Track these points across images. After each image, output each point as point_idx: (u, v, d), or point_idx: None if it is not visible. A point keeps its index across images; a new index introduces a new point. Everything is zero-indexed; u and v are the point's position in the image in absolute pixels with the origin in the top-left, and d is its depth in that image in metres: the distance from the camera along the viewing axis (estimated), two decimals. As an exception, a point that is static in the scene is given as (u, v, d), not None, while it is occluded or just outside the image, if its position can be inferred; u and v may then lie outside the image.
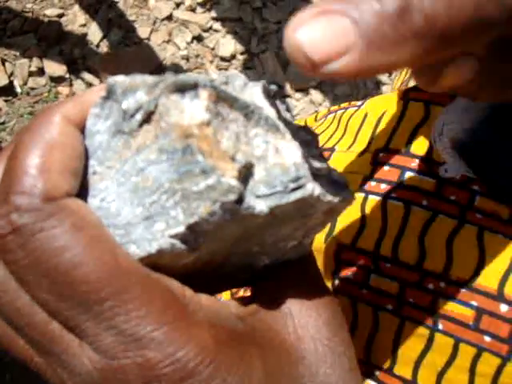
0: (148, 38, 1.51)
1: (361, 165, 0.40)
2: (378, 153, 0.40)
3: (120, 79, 0.19)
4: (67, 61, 1.44)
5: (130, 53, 1.47)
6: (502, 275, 0.33)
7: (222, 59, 1.51)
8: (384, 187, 0.38)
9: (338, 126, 0.46)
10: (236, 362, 0.19)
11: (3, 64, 1.40)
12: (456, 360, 0.33)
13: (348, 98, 1.50)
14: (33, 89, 1.41)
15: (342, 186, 0.21)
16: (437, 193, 0.36)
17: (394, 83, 0.59)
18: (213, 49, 1.52)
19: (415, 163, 0.38)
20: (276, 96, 0.21)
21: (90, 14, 1.50)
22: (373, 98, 0.46)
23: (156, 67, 1.45)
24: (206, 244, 0.19)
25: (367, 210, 0.38)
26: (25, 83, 1.41)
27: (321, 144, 0.45)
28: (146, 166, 0.19)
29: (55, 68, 1.42)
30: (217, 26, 1.55)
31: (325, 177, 0.20)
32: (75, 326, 0.19)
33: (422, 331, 0.34)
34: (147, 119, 0.19)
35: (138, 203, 0.19)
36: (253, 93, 0.20)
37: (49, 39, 1.45)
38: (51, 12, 1.48)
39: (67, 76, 1.43)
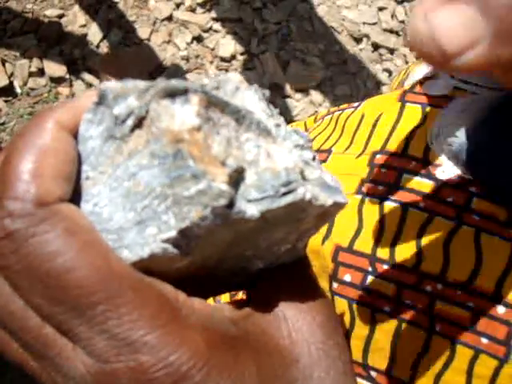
0: (148, 39, 1.51)
1: (358, 167, 0.40)
2: (375, 155, 0.40)
3: (112, 85, 0.19)
4: (67, 61, 1.44)
5: (130, 53, 1.48)
6: (498, 277, 0.33)
7: (222, 60, 1.51)
8: (381, 189, 0.38)
9: (335, 127, 0.46)
10: (229, 366, 0.19)
11: (3, 64, 1.40)
12: (453, 362, 0.33)
13: (348, 99, 1.50)
14: (33, 89, 1.41)
15: (335, 190, 0.21)
16: (434, 194, 0.36)
17: (392, 83, 0.59)
18: (213, 49, 1.52)
19: (412, 165, 0.38)
20: (268, 100, 0.21)
21: (90, 15, 1.51)
22: (369, 99, 0.46)
23: (156, 68, 1.45)
24: (199, 248, 0.19)
25: (364, 212, 0.38)
26: (25, 84, 1.41)
27: (318, 146, 0.45)
28: (137, 170, 0.19)
29: (55, 68, 1.42)
30: (217, 26, 1.55)
31: (317, 181, 0.20)
32: (68, 330, 0.19)
33: (420, 333, 0.34)
34: (138, 124, 0.19)
35: (130, 208, 0.19)
36: (244, 97, 0.20)
37: (49, 40, 1.45)
38: (51, 12, 1.49)
39: (67, 76, 1.43)
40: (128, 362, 0.18)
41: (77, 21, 1.49)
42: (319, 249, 0.39)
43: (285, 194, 0.19)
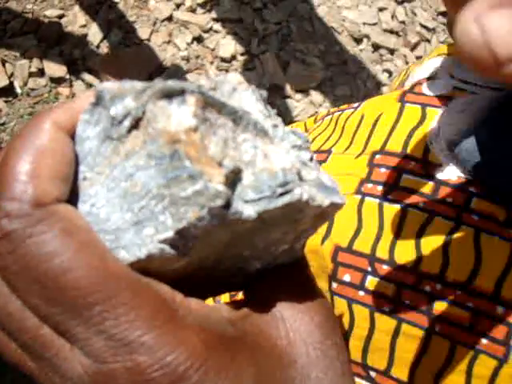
0: (148, 39, 1.51)
1: (357, 167, 0.40)
2: (375, 155, 0.40)
3: (109, 85, 0.19)
4: (67, 61, 1.44)
5: (130, 54, 1.48)
6: (498, 277, 0.33)
7: (223, 60, 1.51)
8: (380, 189, 0.38)
9: (334, 128, 0.46)
10: (226, 366, 0.19)
11: (3, 65, 1.40)
12: (452, 362, 0.33)
13: (348, 99, 1.50)
14: (33, 89, 1.41)
15: (333, 190, 0.21)
16: (433, 195, 0.36)
17: (393, 84, 0.59)
18: (213, 50, 1.52)
19: (411, 165, 0.38)
20: (265, 100, 0.21)
21: (90, 15, 1.51)
22: (369, 100, 0.46)
23: (156, 68, 1.45)
24: (196, 249, 0.19)
25: (364, 213, 0.38)
26: (25, 84, 1.41)
27: (318, 146, 0.45)
28: (134, 171, 0.19)
29: (55, 69, 1.42)
30: (217, 26, 1.55)
31: (314, 181, 0.20)
32: (66, 330, 0.19)
33: (419, 333, 0.34)
34: (135, 125, 0.19)
35: (128, 208, 0.19)
36: (241, 98, 0.20)
37: (49, 40, 1.45)
38: (51, 13, 1.49)
39: (67, 77, 1.43)
40: (125, 363, 0.18)
41: (77, 21, 1.49)
42: (318, 249, 0.39)
43: (282, 194, 0.19)
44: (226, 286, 0.25)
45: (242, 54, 1.53)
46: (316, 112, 1.48)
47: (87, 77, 1.43)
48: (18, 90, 1.40)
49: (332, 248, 0.38)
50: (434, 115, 0.39)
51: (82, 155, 0.20)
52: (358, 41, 1.63)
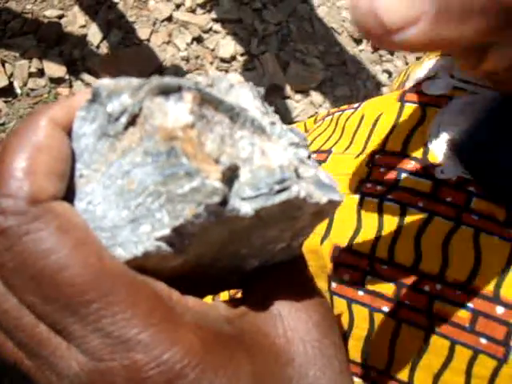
0: (148, 39, 1.51)
1: (357, 167, 0.40)
2: (374, 155, 0.40)
3: (105, 82, 0.19)
4: (67, 62, 1.44)
5: (130, 54, 1.48)
6: (498, 277, 0.33)
7: (222, 60, 1.51)
8: (380, 189, 0.38)
9: (335, 128, 0.46)
10: (223, 364, 0.19)
11: (3, 65, 1.40)
12: (452, 362, 0.33)
13: (348, 99, 1.50)
14: (33, 90, 1.41)
15: (330, 188, 0.21)
16: (433, 194, 0.36)
17: (393, 85, 0.59)
18: (213, 50, 1.52)
19: (411, 165, 0.38)
20: (263, 98, 0.21)
21: (90, 15, 1.51)
22: (369, 100, 0.46)
23: (156, 68, 1.45)
24: (193, 247, 0.19)
25: (363, 212, 0.38)
26: (24, 84, 1.41)
27: (318, 146, 0.45)
28: (131, 168, 0.19)
29: (55, 69, 1.42)
30: (217, 27, 1.55)
31: (312, 178, 0.20)
32: (62, 328, 0.19)
33: (418, 333, 0.34)
34: (132, 122, 0.19)
35: (124, 206, 0.19)
36: (239, 95, 0.20)
37: (48, 40, 1.45)
38: (51, 13, 1.49)
39: (67, 77, 1.43)
40: (122, 361, 0.18)
41: (76, 21, 1.49)
42: (318, 249, 0.38)
43: (279, 191, 0.18)
44: (223, 284, 0.25)
45: (241, 55, 1.53)
46: (316, 112, 1.48)
47: (87, 77, 1.43)
48: (18, 91, 1.40)
49: (331, 248, 0.38)
50: (434, 115, 0.39)
51: (78, 152, 0.20)
52: (358, 41, 1.63)
